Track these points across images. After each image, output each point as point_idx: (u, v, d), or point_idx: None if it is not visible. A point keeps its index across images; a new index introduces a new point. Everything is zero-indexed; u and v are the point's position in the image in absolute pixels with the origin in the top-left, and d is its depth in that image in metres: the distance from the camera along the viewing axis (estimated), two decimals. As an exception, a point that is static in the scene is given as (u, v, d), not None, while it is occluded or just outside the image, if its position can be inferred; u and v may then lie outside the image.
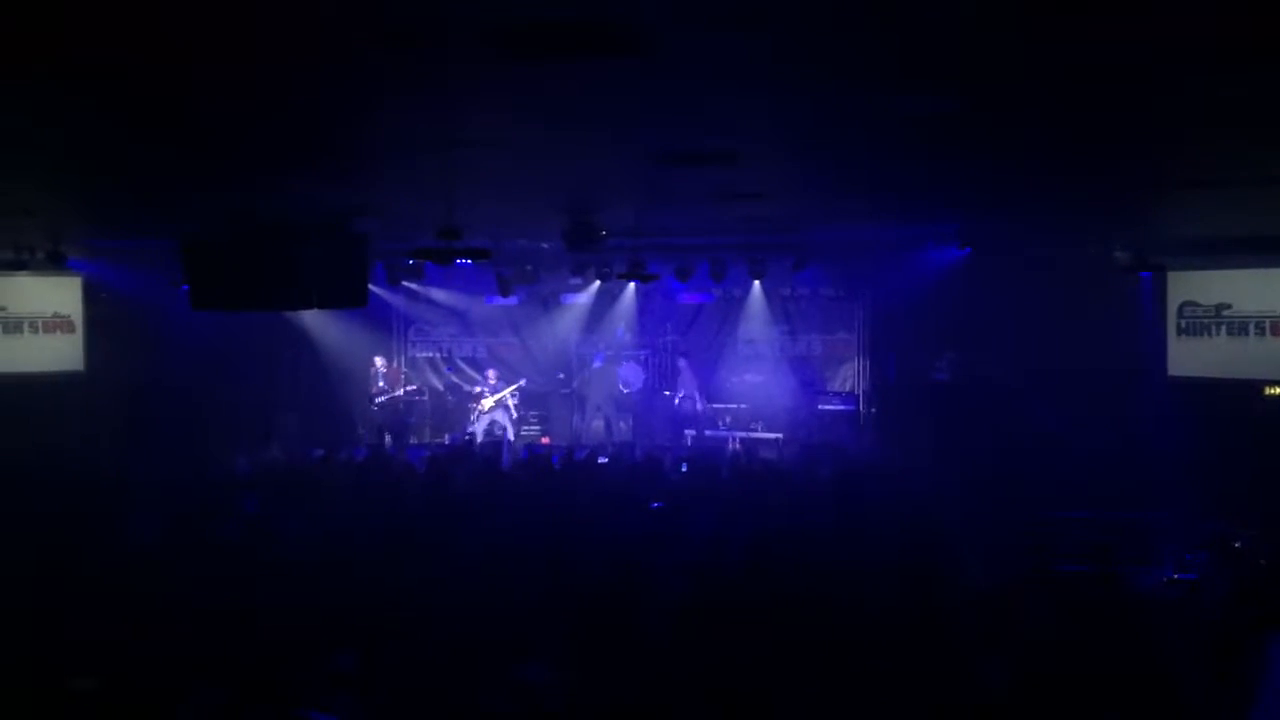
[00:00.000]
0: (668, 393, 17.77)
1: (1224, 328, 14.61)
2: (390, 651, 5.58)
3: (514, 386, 17.84)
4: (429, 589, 6.52)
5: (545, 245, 15.50)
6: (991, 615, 6.24)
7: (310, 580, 6.92)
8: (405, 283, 17.48)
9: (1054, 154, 8.37)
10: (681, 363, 17.97)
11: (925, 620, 5.88)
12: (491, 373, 18.17)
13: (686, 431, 16.77)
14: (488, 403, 17.67)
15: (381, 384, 17.37)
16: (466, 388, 18.73)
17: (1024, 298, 15.26)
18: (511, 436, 17.15)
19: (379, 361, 17.50)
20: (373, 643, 5.64)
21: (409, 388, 17.85)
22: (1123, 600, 6.78)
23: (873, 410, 17.58)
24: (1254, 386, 14.07)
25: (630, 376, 18.42)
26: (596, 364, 18.90)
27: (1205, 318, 14.76)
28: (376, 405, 17.32)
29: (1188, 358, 14.82)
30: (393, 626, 5.88)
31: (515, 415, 17.81)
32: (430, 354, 19.71)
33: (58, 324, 16.45)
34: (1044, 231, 13.83)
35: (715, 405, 17.83)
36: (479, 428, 17.55)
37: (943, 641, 5.69)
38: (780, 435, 15.93)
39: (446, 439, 17.53)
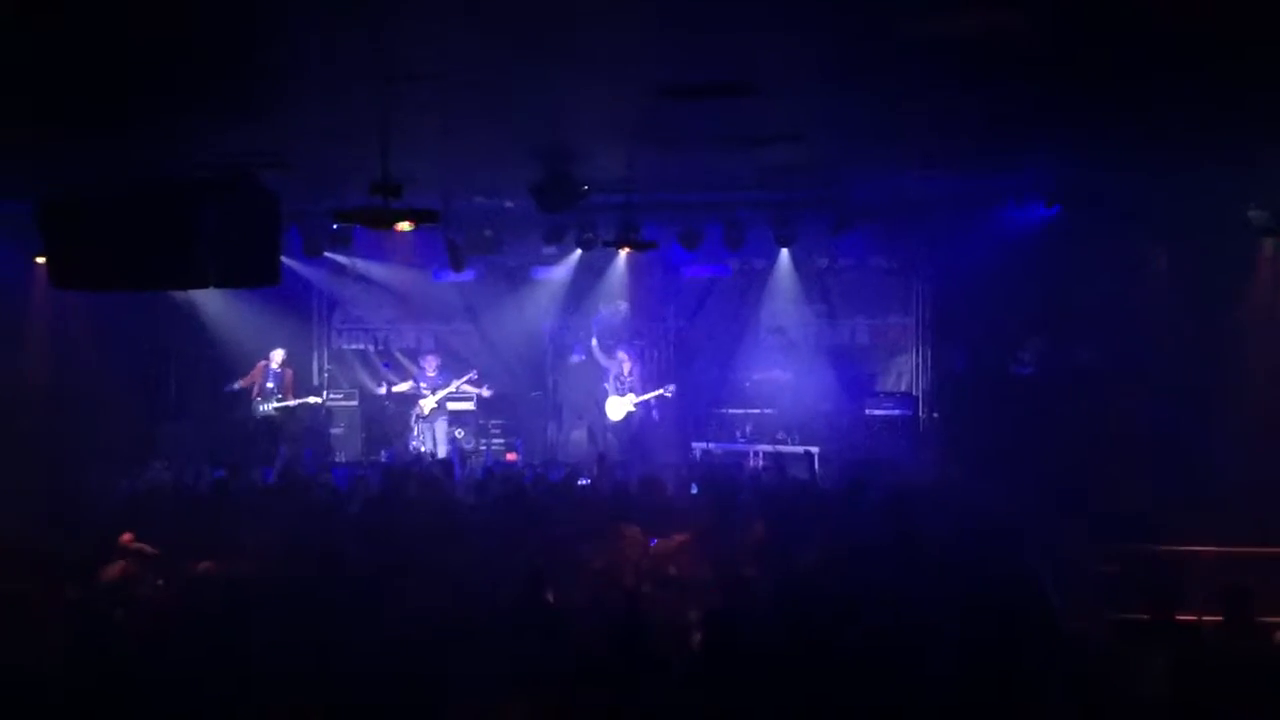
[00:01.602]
0: (634, 399, 17.49)
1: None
2: None
3: (462, 380, 17.69)
4: (364, 650, 6.54)
5: (510, 204, 15.49)
6: (1091, 677, 6.28)
7: (208, 644, 6.93)
8: (328, 254, 17.45)
9: (1169, 83, 8.41)
10: (621, 356, 17.75)
11: (1005, 686, 5.91)
12: (431, 361, 18.01)
13: (695, 445, 16.80)
14: (428, 403, 17.53)
15: (270, 384, 17.29)
16: (405, 388, 18.57)
17: (1131, 269, 15.30)
18: (442, 452, 17.03)
19: (276, 357, 17.40)
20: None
21: (309, 400, 17.81)
22: (1259, 657, 6.83)
23: (935, 415, 17.63)
24: None
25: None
26: (576, 358, 18.92)
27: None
28: (259, 414, 17.27)
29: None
30: (319, 700, 5.90)
31: (459, 432, 17.71)
32: (361, 346, 19.74)
33: None
34: (1156, 184, 13.86)
35: (732, 410, 17.84)
36: (425, 442, 17.48)
37: (1029, 712, 5.72)
38: (816, 449, 15.95)
39: (383, 455, 17.54)
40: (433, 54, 7.36)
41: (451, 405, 17.86)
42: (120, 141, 9.75)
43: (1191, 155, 12.08)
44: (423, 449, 17.24)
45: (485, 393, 17.84)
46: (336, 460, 17.55)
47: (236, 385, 17.25)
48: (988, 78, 8.14)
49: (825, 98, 9.14)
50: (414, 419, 17.60)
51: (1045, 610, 7.88)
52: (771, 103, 8.88)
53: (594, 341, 17.85)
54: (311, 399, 18.09)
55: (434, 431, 17.50)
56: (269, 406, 17.23)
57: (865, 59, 7.65)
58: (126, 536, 9.35)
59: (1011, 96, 9.03)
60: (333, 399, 18.66)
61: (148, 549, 9.26)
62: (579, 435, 18.23)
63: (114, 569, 8.99)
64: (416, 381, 17.76)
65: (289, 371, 17.65)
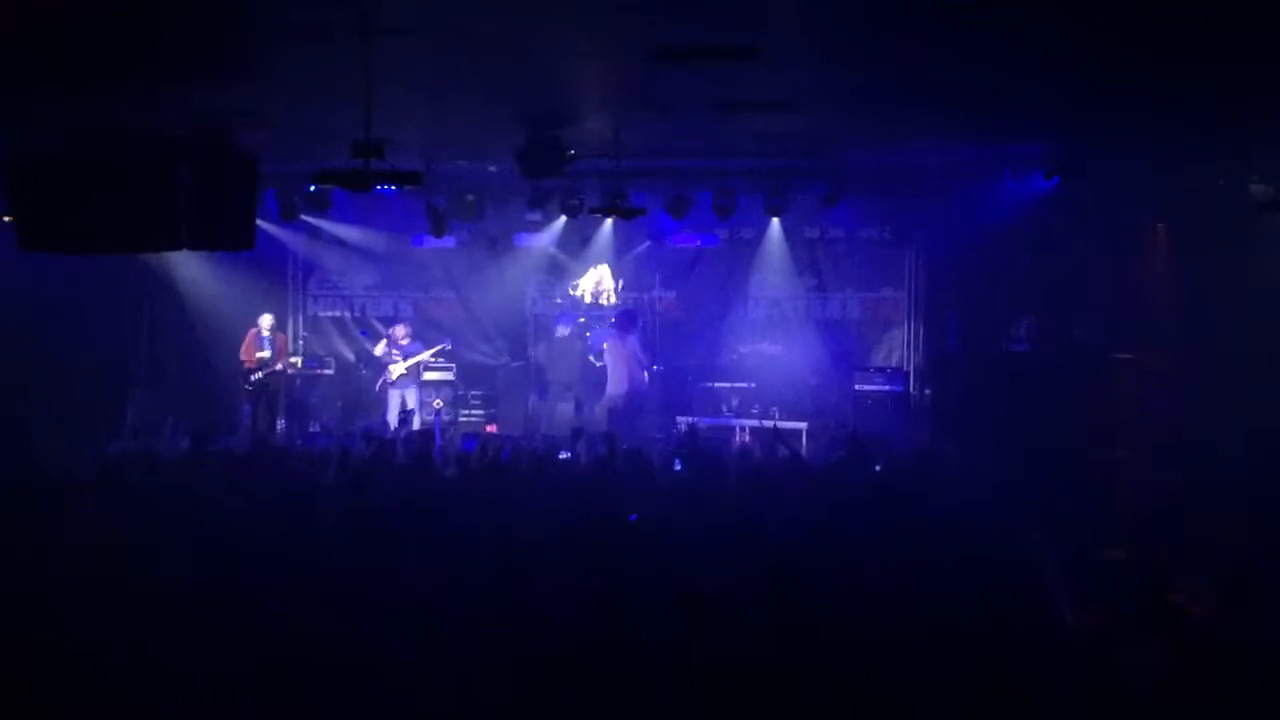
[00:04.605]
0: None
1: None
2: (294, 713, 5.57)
3: (433, 350, 17.65)
4: (345, 630, 6.50)
5: (493, 168, 15.43)
6: (1090, 667, 6.27)
7: (181, 619, 6.88)
8: (305, 217, 17.39)
9: (1177, 49, 8.37)
10: (614, 339, 17.38)
11: (1001, 677, 5.89)
12: (400, 329, 17.86)
13: (680, 419, 16.75)
14: (397, 369, 17.49)
15: (267, 353, 17.12)
16: (380, 350, 18.48)
17: (1130, 244, 15.29)
18: (416, 422, 17.02)
19: (265, 323, 17.26)
20: (269, 702, 5.63)
21: (291, 360, 17.72)
22: (1262, 648, 6.82)
23: (928, 392, 17.63)
24: None
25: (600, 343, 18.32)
26: (561, 328, 18.87)
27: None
28: (251, 382, 17.09)
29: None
30: (296, 680, 5.86)
31: (438, 402, 17.64)
32: (337, 313, 19.65)
33: None
34: (1159, 156, 13.85)
35: (718, 384, 17.80)
36: (390, 411, 17.45)
37: (1027, 705, 5.71)
38: (804, 424, 15.93)
39: (360, 425, 17.47)
40: (415, 7, 7.29)
41: (430, 376, 17.86)
42: (93, 97, 9.62)
43: (1193, 127, 12.07)
44: (392, 414, 17.19)
45: (447, 347, 17.85)
46: (312, 430, 17.50)
47: (253, 376, 17.09)
48: (993, 45, 8.09)
49: (826, 64, 9.08)
50: (381, 385, 17.53)
51: (1041, 592, 7.88)
52: (770, 69, 8.82)
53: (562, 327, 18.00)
54: (294, 359, 18.01)
55: (404, 398, 17.45)
56: (260, 374, 17.05)
57: (867, 23, 7.58)
58: None
59: (1014, 65, 9.00)
60: (308, 368, 18.56)
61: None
62: (564, 407, 18.12)
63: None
64: (389, 348, 17.67)
65: (281, 336, 17.58)
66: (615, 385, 16.86)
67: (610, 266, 18.79)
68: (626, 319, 17.34)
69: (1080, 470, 12.17)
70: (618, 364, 16.89)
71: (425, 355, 17.61)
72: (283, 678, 5.86)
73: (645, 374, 17.06)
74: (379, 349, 17.74)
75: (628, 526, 9.51)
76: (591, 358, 17.87)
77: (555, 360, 18.50)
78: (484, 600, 7.32)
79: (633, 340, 17.05)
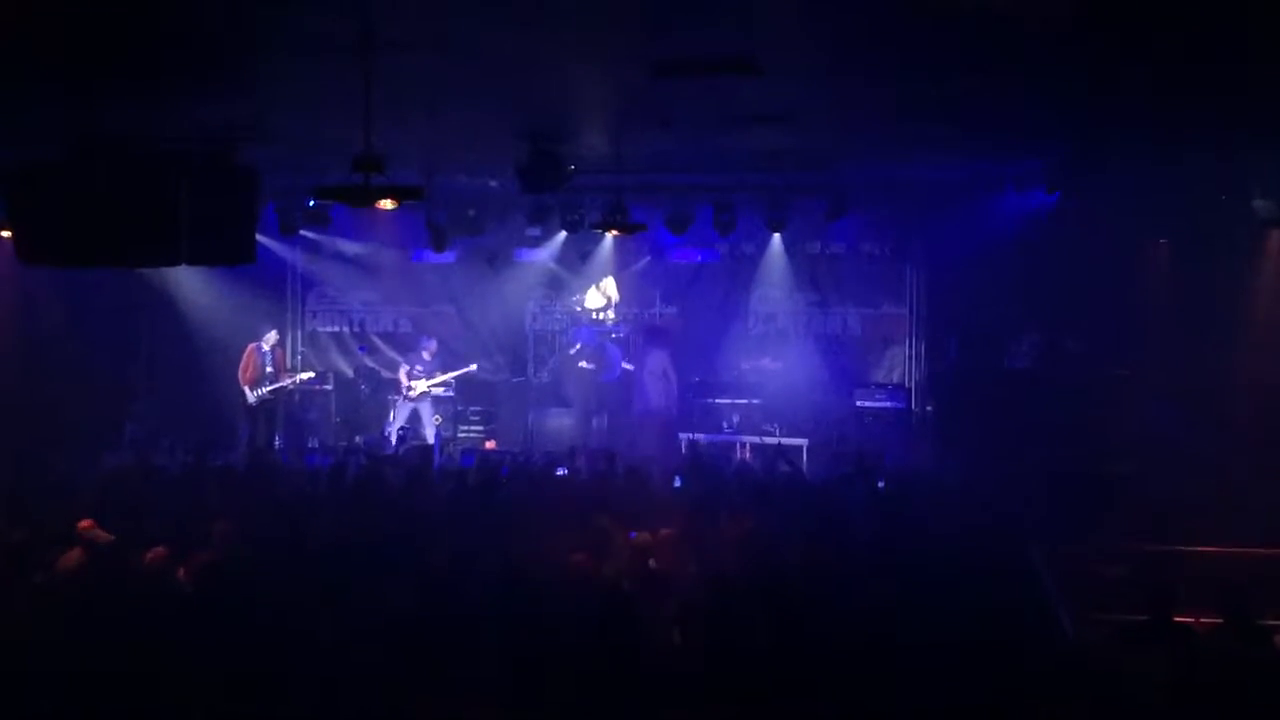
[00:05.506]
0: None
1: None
2: None
3: (460, 372, 17.85)
4: (344, 647, 6.51)
5: (494, 183, 15.46)
6: (1090, 680, 6.28)
7: (181, 633, 6.90)
8: (305, 232, 17.42)
9: (1180, 64, 8.41)
10: (636, 355, 17.65)
11: (1003, 689, 5.91)
12: (430, 346, 18.06)
13: (682, 436, 16.78)
14: (419, 386, 17.58)
15: (270, 368, 17.12)
16: (386, 373, 18.63)
17: (1133, 260, 15.31)
18: (430, 436, 17.15)
19: (270, 339, 17.26)
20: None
21: (299, 377, 17.78)
22: (1260, 660, 6.84)
23: (929, 408, 17.62)
24: None
25: (611, 359, 18.35)
26: (572, 345, 18.93)
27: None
28: (255, 399, 17.07)
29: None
30: (295, 697, 5.88)
31: (437, 419, 17.75)
32: (336, 328, 19.67)
33: None
34: (1159, 172, 13.87)
35: (719, 400, 17.81)
36: (394, 424, 17.53)
37: (1026, 716, 5.72)
38: (805, 441, 15.94)
39: (360, 441, 17.51)
40: (416, 22, 7.33)
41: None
42: (94, 110, 9.66)
43: (1196, 142, 12.09)
44: (392, 430, 17.26)
45: (473, 368, 18.07)
46: (310, 445, 17.51)
47: (252, 392, 17.03)
48: (992, 60, 8.12)
49: (825, 78, 9.11)
50: (401, 399, 17.63)
51: (1043, 606, 7.90)
52: (769, 82, 8.85)
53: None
54: (303, 374, 18.03)
55: (418, 413, 17.59)
56: (263, 390, 17.03)
57: (871, 36, 7.62)
58: (85, 523, 9.26)
59: (1015, 80, 9.03)
60: (306, 384, 18.56)
61: (103, 536, 9.14)
62: (565, 423, 18.16)
63: (71, 557, 8.91)
64: (412, 366, 17.75)
65: (280, 352, 17.58)
66: (637, 402, 17.09)
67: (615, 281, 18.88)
68: (654, 335, 17.48)
69: (1082, 486, 12.19)
70: (637, 379, 17.09)
71: (447, 377, 17.82)
72: (279, 687, 5.88)
73: (671, 390, 17.18)
74: (407, 369, 17.84)
75: (626, 543, 9.54)
76: (584, 363, 17.97)
77: (566, 373, 18.58)
78: (482, 613, 7.34)
79: (657, 356, 17.18)
